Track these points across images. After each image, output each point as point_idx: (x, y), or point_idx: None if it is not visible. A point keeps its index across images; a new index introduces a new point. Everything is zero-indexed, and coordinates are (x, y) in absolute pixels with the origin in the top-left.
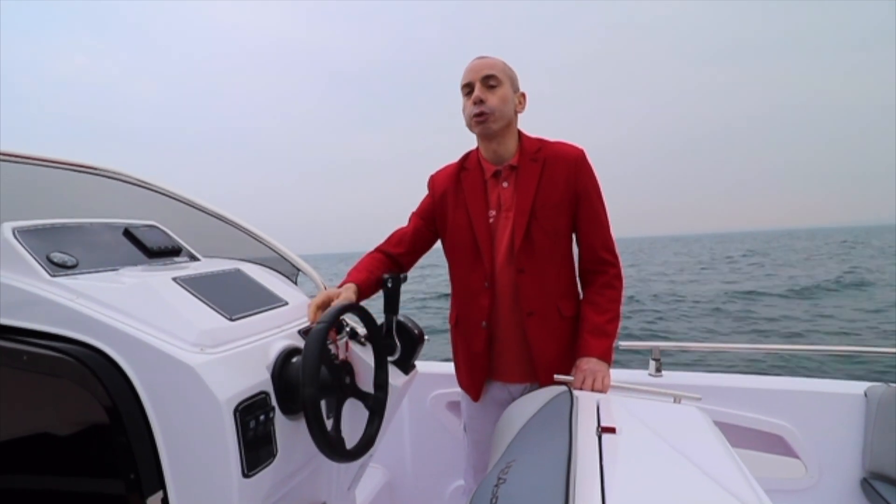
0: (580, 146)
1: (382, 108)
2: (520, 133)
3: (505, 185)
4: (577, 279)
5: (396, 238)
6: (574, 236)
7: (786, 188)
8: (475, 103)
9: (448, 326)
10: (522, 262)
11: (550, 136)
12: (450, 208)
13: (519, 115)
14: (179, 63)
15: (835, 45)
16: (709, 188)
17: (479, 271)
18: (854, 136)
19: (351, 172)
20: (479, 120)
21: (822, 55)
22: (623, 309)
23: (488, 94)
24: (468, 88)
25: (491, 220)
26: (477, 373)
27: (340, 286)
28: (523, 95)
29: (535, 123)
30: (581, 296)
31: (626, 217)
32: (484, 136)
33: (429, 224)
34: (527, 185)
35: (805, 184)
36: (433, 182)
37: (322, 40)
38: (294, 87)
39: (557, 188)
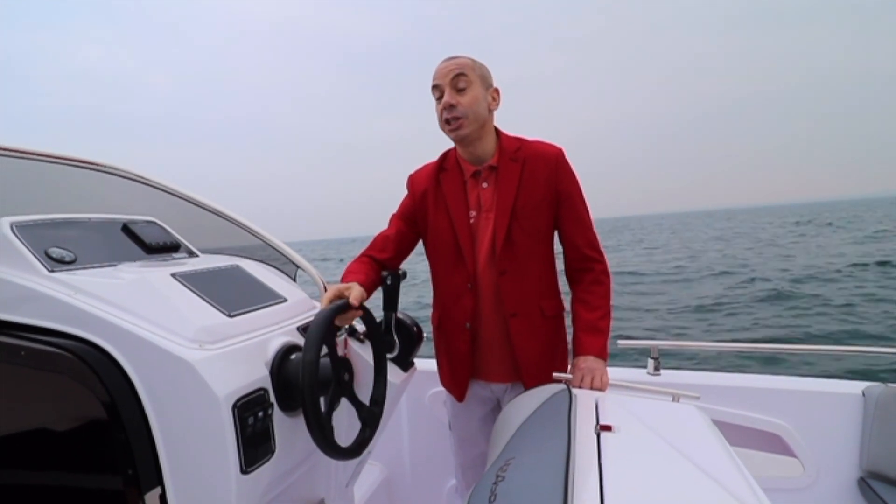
0: (558, 145)
1: (396, 87)
2: (498, 132)
3: (485, 185)
4: (559, 279)
5: (380, 243)
6: (557, 236)
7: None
8: (446, 107)
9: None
10: (504, 263)
11: (563, 113)
12: (430, 209)
13: (494, 112)
14: (189, 51)
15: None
16: (740, 157)
17: (461, 273)
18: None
19: (366, 155)
20: (452, 127)
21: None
22: (612, 304)
23: (458, 96)
24: (437, 91)
25: (472, 221)
26: (460, 373)
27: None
28: (497, 91)
29: (545, 99)
30: (565, 295)
31: (657, 194)
32: (459, 141)
33: (410, 226)
34: (507, 186)
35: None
36: (412, 182)
37: (331, 21)
38: (306, 70)
39: (538, 188)
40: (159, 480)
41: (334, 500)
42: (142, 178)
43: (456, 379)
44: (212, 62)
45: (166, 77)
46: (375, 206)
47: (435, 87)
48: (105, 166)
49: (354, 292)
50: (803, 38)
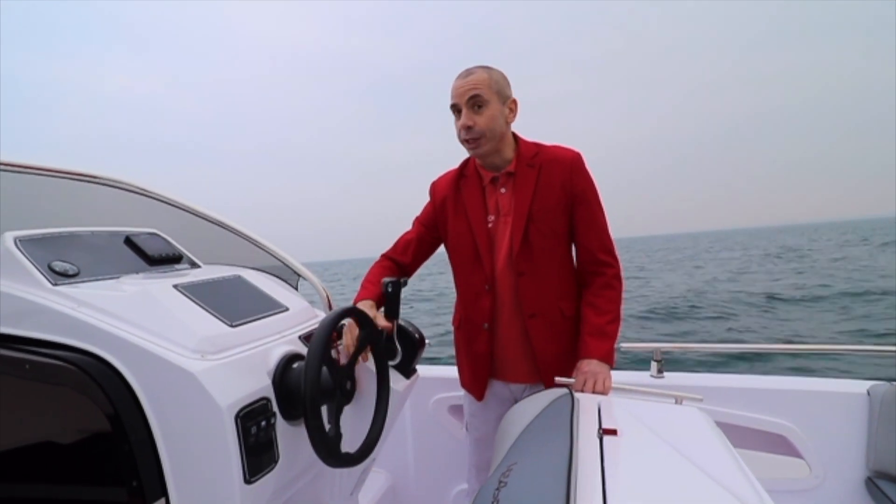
0: (577, 149)
1: (423, 109)
2: (516, 138)
3: (503, 190)
4: (576, 281)
5: (402, 245)
6: (572, 238)
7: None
8: (464, 128)
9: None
10: (522, 265)
11: (588, 133)
12: (450, 214)
13: (510, 123)
14: (218, 77)
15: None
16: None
17: (479, 275)
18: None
19: (393, 176)
20: (471, 146)
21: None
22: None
23: (475, 116)
24: (455, 110)
25: (490, 225)
26: (480, 373)
27: (356, 301)
28: (514, 102)
29: (565, 122)
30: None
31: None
32: (478, 157)
33: (431, 230)
34: (524, 190)
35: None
36: (434, 189)
37: (357, 50)
38: (332, 95)
39: (554, 191)
40: (163, 491)
41: None
42: (143, 190)
43: (476, 378)
44: (241, 89)
45: (194, 103)
46: (389, 226)
47: (453, 105)
48: (106, 179)
49: (371, 314)
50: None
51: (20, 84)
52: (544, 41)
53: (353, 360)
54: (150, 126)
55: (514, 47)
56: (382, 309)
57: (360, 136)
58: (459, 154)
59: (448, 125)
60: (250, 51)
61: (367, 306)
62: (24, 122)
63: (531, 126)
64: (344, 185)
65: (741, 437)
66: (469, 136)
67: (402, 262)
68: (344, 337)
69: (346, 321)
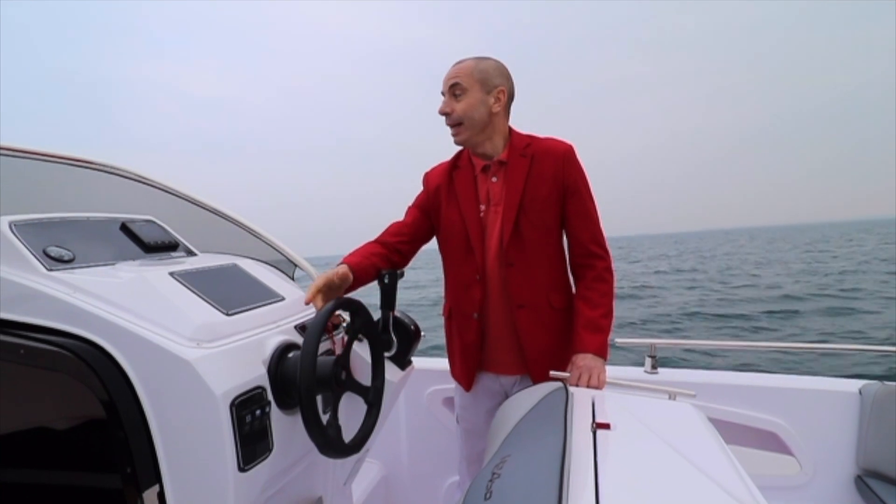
0: (569, 142)
1: None
2: (510, 130)
3: (494, 179)
4: (569, 272)
5: (394, 229)
6: (563, 231)
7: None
8: (441, 114)
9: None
10: (512, 255)
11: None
12: (443, 204)
13: (499, 112)
14: (289, 74)
15: None
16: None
17: (470, 265)
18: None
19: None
20: (452, 133)
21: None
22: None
23: (454, 103)
24: (444, 97)
25: (481, 215)
26: (469, 363)
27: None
28: (502, 92)
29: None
30: (573, 288)
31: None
32: (460, 145)
33: (425, 216)
34: (515, 180)
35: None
36: (427, 178)
37: (422, 42)
38: (398, 90)
39: (545, 182)
40: (157, 478)
41: (332, 498)
42: (140, 177)
43: (465, 369)
44: (317, 86)
45: (263, 99)
46: None
47: (442, 93)
48: (103, 165)
49: (340, 271)
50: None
51: (112, 83)
52: (612, 25)
53: (347, 349)
54: (232, 125)
55: (578, 33)
56: (343, 271)
57: (430, 124)
58: None
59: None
60: (326, 49)
61: (344, 268)
62: (118, 120)
63: (599, 112)
64: (409, 177)
65: (733, 433)
66: (448, 123)
67: (393, 242)
68: (308, 292)
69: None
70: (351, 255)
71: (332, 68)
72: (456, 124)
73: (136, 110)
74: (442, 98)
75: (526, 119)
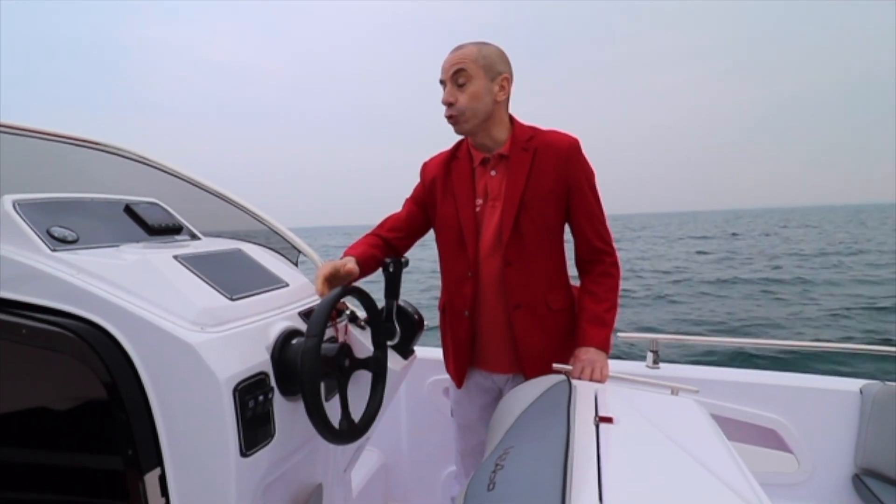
0: (575, 136)
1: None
2: (512, 120)
3: (493, 173)
4: (567, 271)
5: (390, 223)
6: (568, 227)
7: None
8: (444, 104)
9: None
10: (511, 254)
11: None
12: (439, 196)
13: (503, 101)
14: (303, 40)
15: None
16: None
17: (462, 260)
18: None
19: None
20: (453, 123)
21: None
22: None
23: (458, 93)
24: (442, 85)
25: (477, 209)
26: (460, 360)
27: (345, 254)
28: (506, 79)
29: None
30: (571, 287)
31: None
32: (461, 135)
33: (422, 209)
34: (517, 175)
35: None
36: (425, 169)
37: (434, 9)
38: (418, 56)
39: (548, 178)
40: (159, 461)
41: (332, 484)
42: (144, 158)
43: (456, 365)
44: (323, 53)
45: (283, 65)
46: None
47: (441, 81)
48: (107, 146)
49: (348, 266)
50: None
51: (124, 47)
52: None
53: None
54: (248, 89)
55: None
56: (351, 264)
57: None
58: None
59: (528, 79)
60: (341, 16)
61: (351, 261)
62: (130, 83)
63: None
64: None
65: (734, 429)
66: (449, 112)
67: (389, 237)
68: (317, 283)
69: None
70: (353, 246)
71: (354, 33)
72: (457, 115)
73: (148, 73)
74: (442, 87)
75: (548, 84)
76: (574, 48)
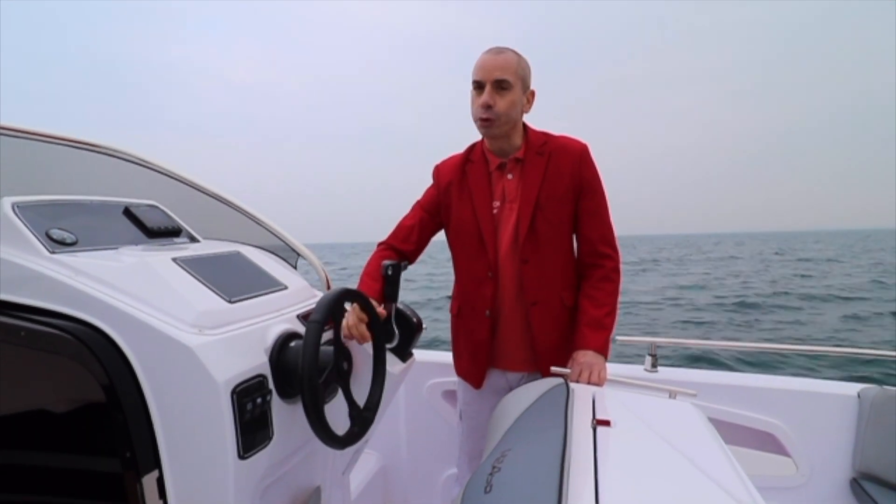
0: (584, 141)
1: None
2: (525, 126)
3: (510, 177)
4: (577, 271)
5: (404, 233)
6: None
7: None
8: (483, 107)
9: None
10: (527, 253)
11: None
12: (454, 199)
13: (525, 113)
14: (324, 61)
15: None
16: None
17: (482, 261)
18: None
19: None
20: (484, 125)
21: None
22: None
23: (497, 98)
24: (478, 85)
25: (495, 212)
26: (479, 361)
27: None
28: (532, 94)
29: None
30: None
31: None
32: (487, 137)
33: (433, 216)
34: (532, 178)
35: None
36: (438, 172)
37: (444, 24)
38: (436, 73)
39: (562, 180)
40: (157, 464)
41: (330, 487)
42: (143, 161)
43: (475, 366)
44: (344, 73)
45: (299, 86)
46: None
47: (477, 81)
48: (106, 148)
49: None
50: None
51: (149, 66)
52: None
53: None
54: (264, 108)
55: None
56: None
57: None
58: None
59: (549, 90)
60: (360, 39)
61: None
62: (158, 101)
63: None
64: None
65: (732, 433)
66: (486, 115)
67: (403, 249)
68: (347, 317)
69: (352, 305)
70: (369, 276)
71: (371, 55)
72: (493, 118)
73: (171, 92)
74: (476, 86)
75: (574, 97)
76: (594, 67)
